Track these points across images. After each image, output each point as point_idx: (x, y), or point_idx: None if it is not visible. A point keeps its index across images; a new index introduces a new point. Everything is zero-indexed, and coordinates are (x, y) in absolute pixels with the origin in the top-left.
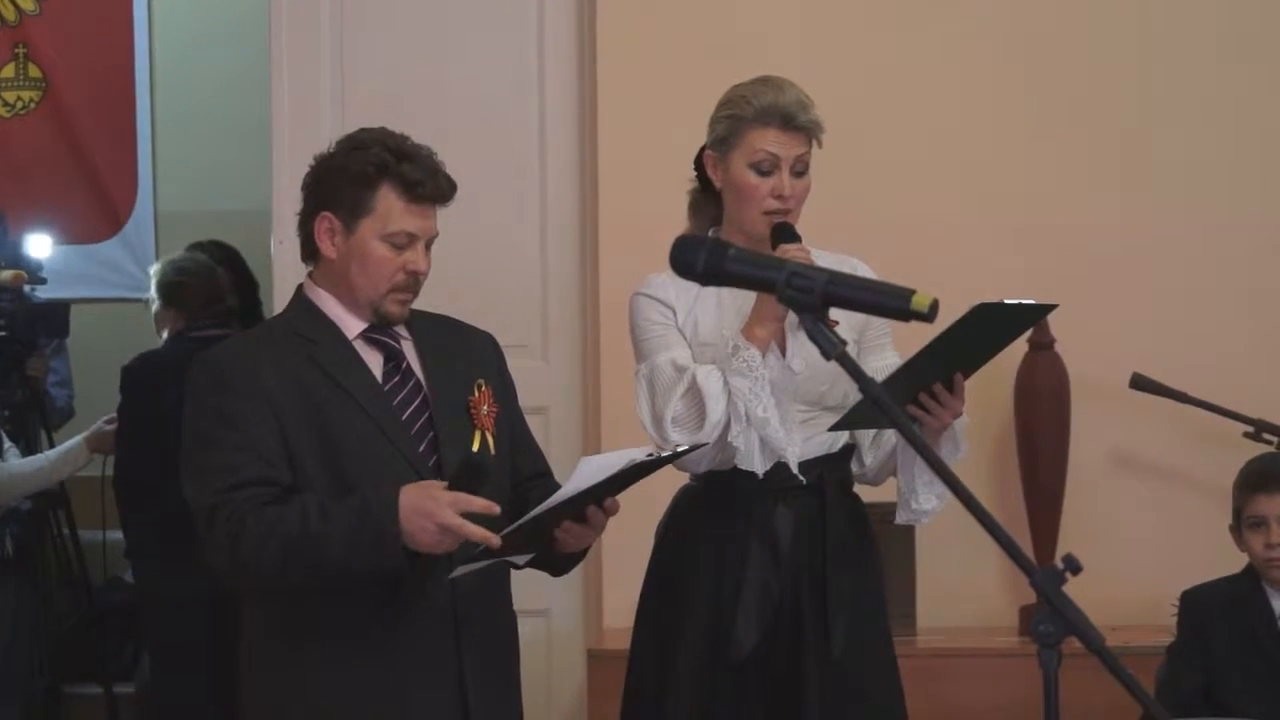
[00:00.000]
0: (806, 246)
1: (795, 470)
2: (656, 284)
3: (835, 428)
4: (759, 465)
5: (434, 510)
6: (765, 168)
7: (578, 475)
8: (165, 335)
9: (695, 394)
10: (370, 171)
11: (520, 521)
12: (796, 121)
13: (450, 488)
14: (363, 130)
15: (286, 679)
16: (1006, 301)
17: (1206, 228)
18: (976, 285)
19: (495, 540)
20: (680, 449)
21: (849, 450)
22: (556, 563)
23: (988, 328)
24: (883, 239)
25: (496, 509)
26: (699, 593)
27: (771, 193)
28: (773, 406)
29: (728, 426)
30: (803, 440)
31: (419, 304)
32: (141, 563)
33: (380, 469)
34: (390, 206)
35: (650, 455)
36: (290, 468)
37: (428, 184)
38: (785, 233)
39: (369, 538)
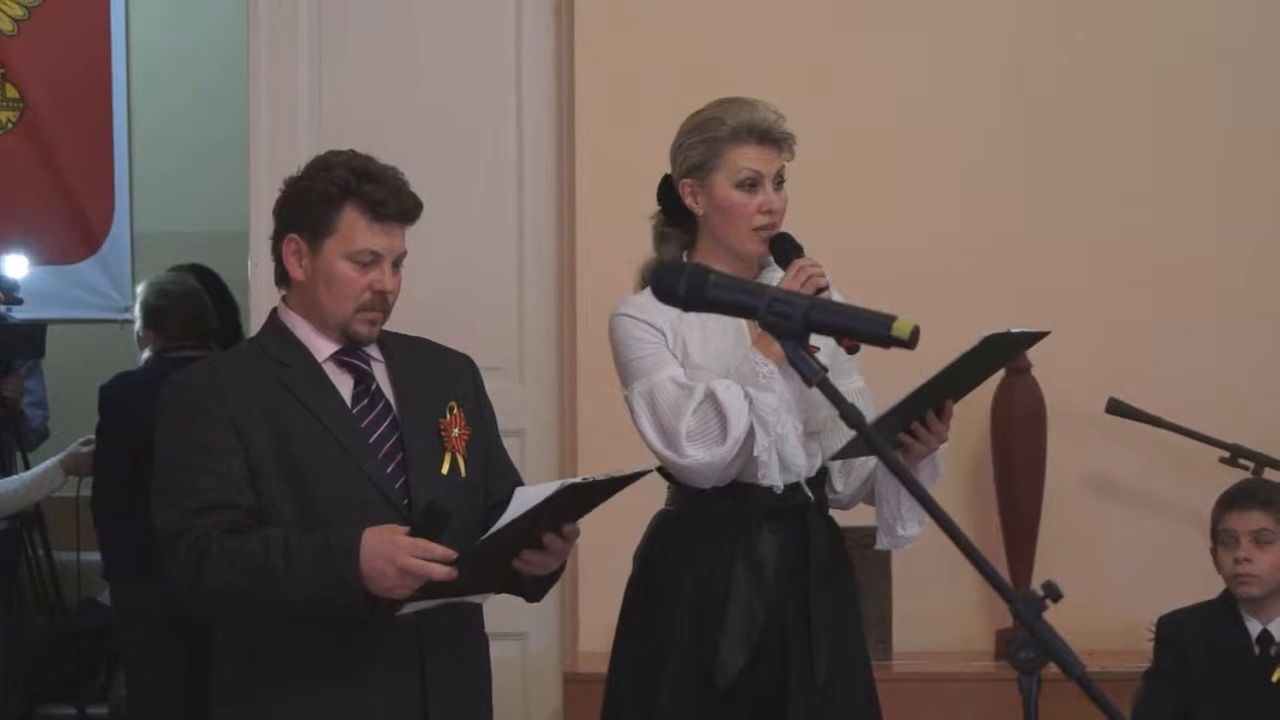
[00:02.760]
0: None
1: (807, 489)
2: (640, 305)
3: (835, 457)
4: (779, 479)
5: (394, 554)
6: (750, 184)
7: (512, 508)
8: (145, 356)
9: (712, 408)
10: (333, 192)
11: (458, 556)
12: (772, 135)
13: (411, 533)
14: (330, 152)
15: (250, 705)
16: (1012, 330)
17: (1183, 254)
18: (953, 311)
19: (454, 575)
20: (621, 474)
21: (824, 474)
22: (527, 588)
23: (988, 356)
24: (858, 264)
25: (454, 555)
26: (681, 616)
27: (760, 209)
28: (791, 423)
29: (748, 439)
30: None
31: (396, 326)
32: (119, 583)
33: (346, 491)
34: (353, 225)
35: (585, 479)
36: (255, 491)
37: (391, 202)
38: (786, 243)
39: (328, 577)
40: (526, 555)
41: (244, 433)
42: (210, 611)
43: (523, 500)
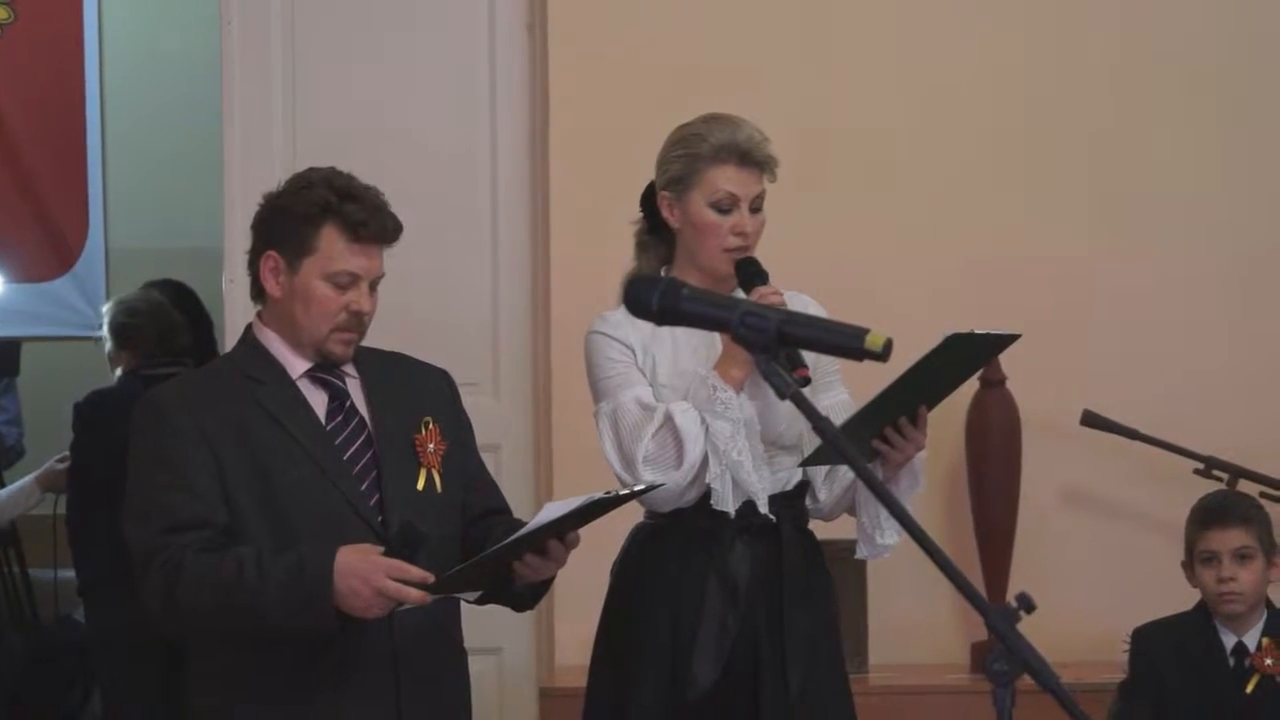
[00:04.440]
0: (777, 288)
1: (765, 510)
2: (613, 322)
3: (804, 464)
4: (731, 505)
5: (369, 575)
6: (725, 206)
7: (540, 518)
8: (118, 374)
9: (670, 432)
10: (314, 211)
11: (474, 560)
12: (753, 157)
13: (387, 553)
14: (310, 169)
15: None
16: (977, 331)
17: (1157, 266)
18: (925, 323)
19: (428, 600)
20: (638, 488)
21: (803, 487)
22: (519, 598)
23: (956, 358)
24: (834, 274)
25: (432, 578)
26: (656, 631)
27: (732, 230)
28: (746, 449)
29: (703, 466)
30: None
31: (372, 341)
32: (93, 601)
33: (319, 509)
34: (333, 246)
35: (608, 493)
36: (227, 509)
37: (371, 224)
38: (751, 268)
39: (301, 596)
40: (529, 559)
41: (217, 450)
42: (183, 629)
43: (549, 513)
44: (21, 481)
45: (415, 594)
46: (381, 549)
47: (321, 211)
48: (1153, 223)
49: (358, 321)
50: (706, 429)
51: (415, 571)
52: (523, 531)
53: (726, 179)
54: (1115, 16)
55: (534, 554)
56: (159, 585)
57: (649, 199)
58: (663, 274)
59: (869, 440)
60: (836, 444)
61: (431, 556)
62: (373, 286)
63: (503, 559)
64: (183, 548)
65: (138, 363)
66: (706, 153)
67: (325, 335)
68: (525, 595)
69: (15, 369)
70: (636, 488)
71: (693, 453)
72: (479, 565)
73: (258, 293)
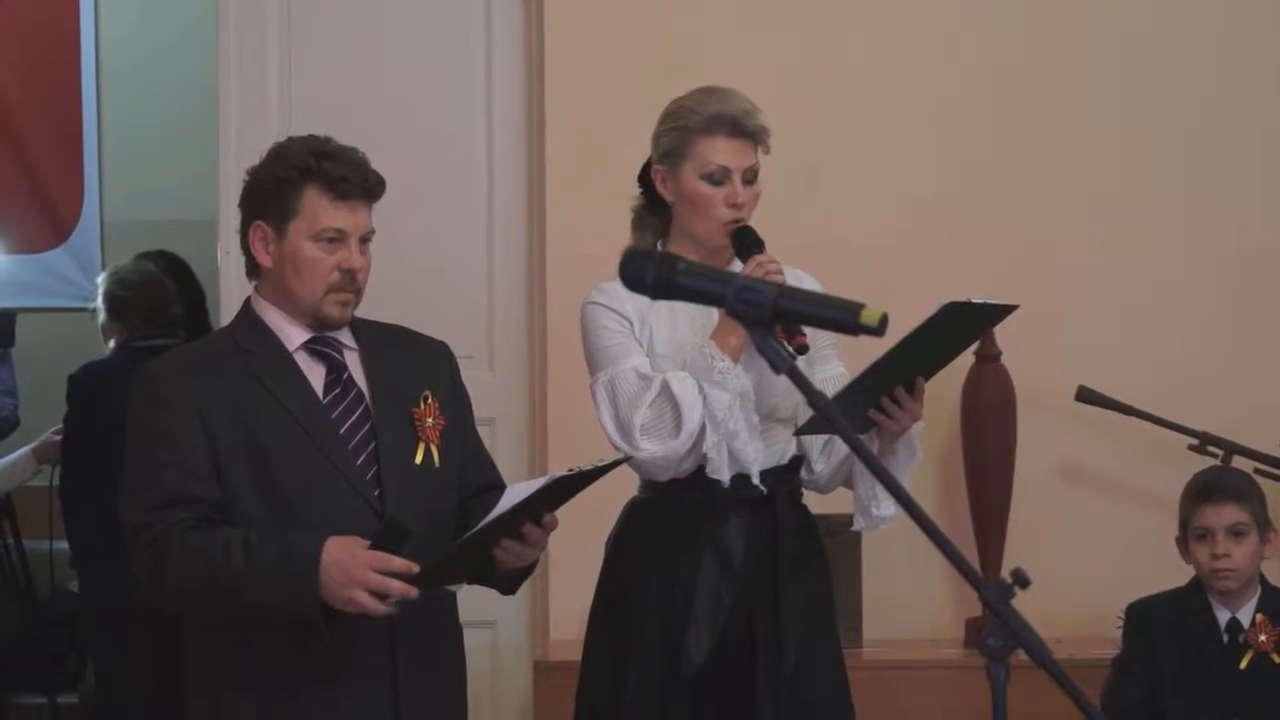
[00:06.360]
0: (775, 257)
1: (757, 481)
2: (610, 292)
3: (800, 433)
4: (726, 474)
5: (352, 568)
6: (717, 178)
7: (503, 502)
8: (111, 345)
9: (667, 401)
10: (293, 174)
11: (449, 549)
12: (744, 127)
13: (373, 546)
14: (289, 138)
15: (221, 700)
16: (974, 300)
17: (1153, 242)
18: (919, 298)
19: (413, 593)
20: (603, 463)
21: (798, 461)
22: (503, 581)
23: (953, 328)
24: (832, 252)
25: (416, 568)
26: (651, 604)
27: (726, 201)
28: (742, 419)
29: (701, 435)
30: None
31: (366, 314)
32: (86, 572)
33: (315, 483)
34: (316, 205)
35: (571, 471)
36: (220, 484)
37: (352, 179)
38: (748, 236)
39: (286, 585)
40: (506, 544)
41: (211, 424)
42: (170, 608)
43: (513, 496)
44: (17, 453)
45: (398, 586)
46: (369, 543)
47: (301, 174)
48: (1147, 201)
49: (351, 280)
50: (704, 398)
51: (398, 562)
52: (490, 516)
53: (717, 150)
54: (1117, 12)
55: (511, 540)
56: (147, 563)
57: (646, 175)
58: (658, 248)
59: (865, 411)
60: (832, 418)
61: (426, 534)
62: (363, 243)
63: (478, 545)
64: (172, 525)
65: (130, 334)
66: (697, 125)
67: (320, 297)
68: (507, 580)
69: (10, 340)
70: (601, 463)
71: (690, 421)
72: (456, 555)
73: (252, 268)
